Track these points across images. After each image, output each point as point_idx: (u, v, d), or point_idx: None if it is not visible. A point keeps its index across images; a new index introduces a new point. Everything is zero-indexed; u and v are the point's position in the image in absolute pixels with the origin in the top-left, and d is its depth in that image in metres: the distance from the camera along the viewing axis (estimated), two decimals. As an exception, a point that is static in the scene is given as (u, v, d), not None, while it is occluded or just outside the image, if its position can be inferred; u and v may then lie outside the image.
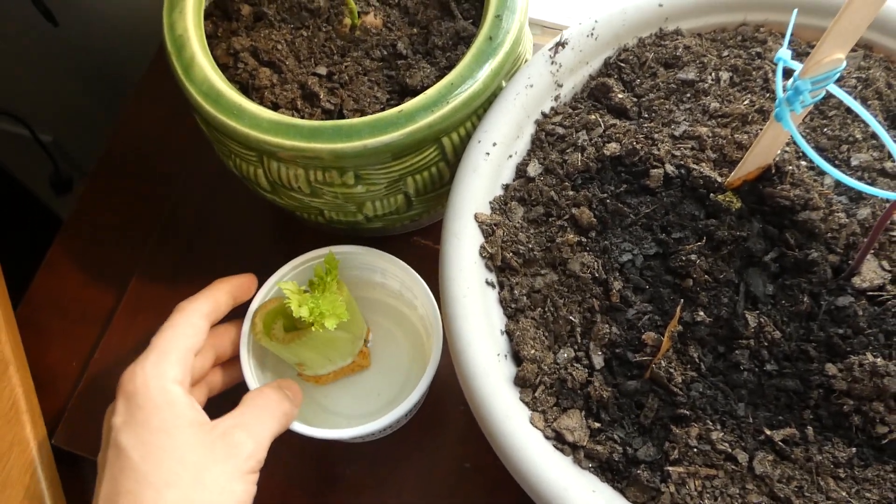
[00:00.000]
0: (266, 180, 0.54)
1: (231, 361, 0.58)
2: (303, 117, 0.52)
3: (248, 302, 0.58)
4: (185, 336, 0.51)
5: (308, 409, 0.61)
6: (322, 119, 0.52)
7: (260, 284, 0.58)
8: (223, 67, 0.55)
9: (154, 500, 0.45)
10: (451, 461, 0.61)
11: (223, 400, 0.56)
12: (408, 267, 0.57)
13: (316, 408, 0.61)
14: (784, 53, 0.40)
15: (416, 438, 0.61)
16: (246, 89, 0.54)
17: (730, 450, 0.42)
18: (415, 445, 0.61)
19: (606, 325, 0.45)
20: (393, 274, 0.60)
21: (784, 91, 0.40)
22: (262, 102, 0.53)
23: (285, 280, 0.57)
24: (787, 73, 0.42)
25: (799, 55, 0.53)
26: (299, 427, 0.54)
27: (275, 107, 0.53)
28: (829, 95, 0.51)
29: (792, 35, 0.53)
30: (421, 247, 0.67)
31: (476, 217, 0.49)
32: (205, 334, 0.53)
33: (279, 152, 0.50)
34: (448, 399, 0.62)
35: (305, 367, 0.57)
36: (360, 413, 0.61)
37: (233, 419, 0.49)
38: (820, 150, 0.49)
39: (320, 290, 0.54)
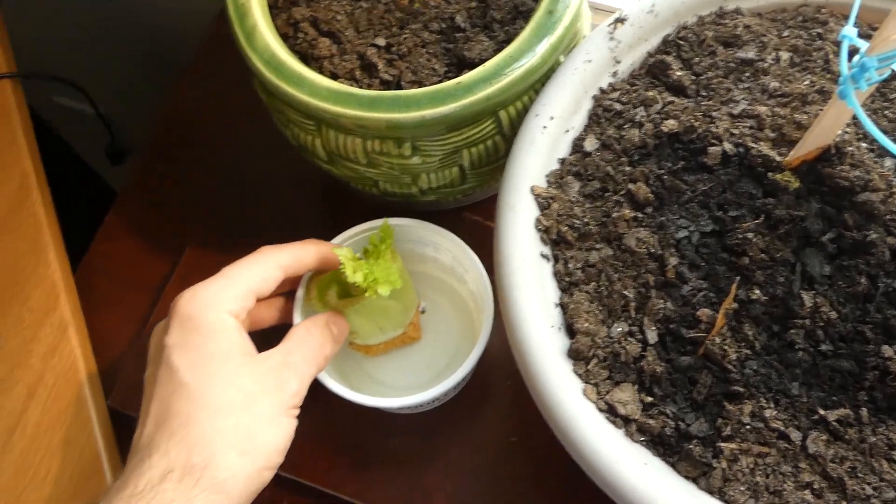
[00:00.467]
0: (323, 150, 0.55)
1: (279, 300, 0.59)
2: (361, 88, 0.53)
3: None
4: (255, 277, 0.51)
5: (357, 379, 0.62)
6: (380, 90, 0.53)
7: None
8: (284, 37, 0.55)
9: (208, 422, 0.45)
10: (497, 435, 0.61)
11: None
12: (460, 241, 0.58)
13: (365, 378, 0.62)
14: (849, 31, 0.40)
15: (463, 412, 0.62)
16: (306, 59, 0.55)
17: (783, 428, 0.42)
18: (461, 418, 0.62)
19: (661, 301, 0.45)
20: (445, 248, 0.60)
21: (849, 69, 0.39)
22: (321, 72, 0.54)
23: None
24: (850, 54, 0.41)
25: (861, 36, 0.52)
26: (348, 393, 0.54)
27: (334, 77, 0.54)
28: (892, 78, 0.50)
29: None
30: (472, 223, 0.67)
31: (532, 190, 0.49)
32: (275, 283, 0.52)
33: (338, 121, 0.51)
34: (495, 374, 0.63)
35: (357, 335, 0.58)
36: (407, 385, 0.61)
37: (281, 356, 0.50)
38: (881, 132, 0.48)
39: (374, 258, 0.54)
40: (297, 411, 0.49)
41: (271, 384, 0.48)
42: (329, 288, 0.56)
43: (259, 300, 0.53)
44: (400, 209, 0.65)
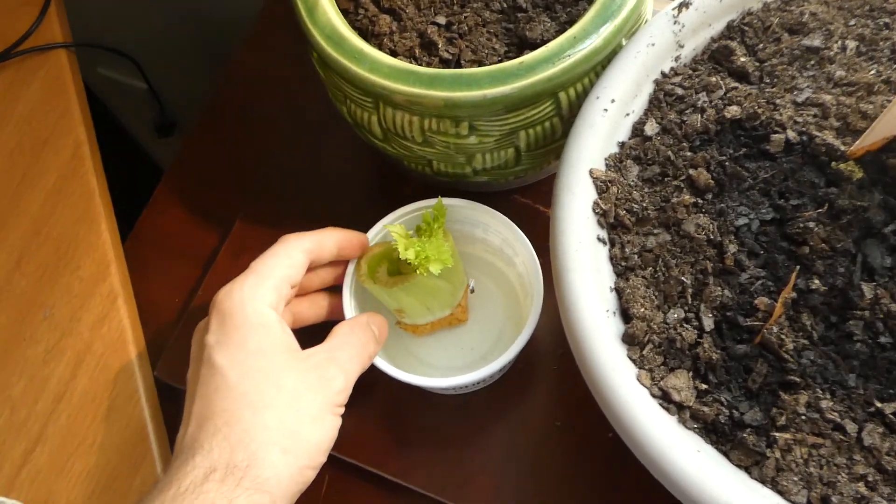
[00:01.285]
0: (379, 127, 0.55)
1: (321, 297, 0.59)
2: (420, 66, 0.53)
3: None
4: (284, 266, 0.52)
5: (402, 359, 0.62)
6: (439, 68, 0.53)
7: (366, 230, 0.59)
8: (344, 12, 0.56)
9: (252, 419, 0.45)
10: (541, 419, 0.61)
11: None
12: (511, 223, 0.58)
13: (410, 358, 0.63)
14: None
15: (507, 394, 0.62)
16: (365, 35, 0.55)
17: (839, 419, 0.42)
18: (505, 401, 0.62)
19: (718, 288, 0.45)
20: (495, 229, 0.60)
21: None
22: (380, 49, 0.54)
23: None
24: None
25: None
26: (394, 371, 0.55)
27: (393, 54, 0.54)
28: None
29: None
30: (522, 205, 0.67)
31: (591, 173, 0.49)
32: (303, 269, 0.53)
33: (396, 98, 0.51)
34: (541, 358, 0.63)
35: (405, 314, 0.59)
36: (453, 366, 0.62)
37: (325, 352, 0.50)
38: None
39: (427, 235, 0.55)
40: (342, 409, 0.50)
41: (315, 381, 0.48)
42: (380, 264, 0.56)
43: (293, 287, 0.53)
44: (450, 189, 0.65)
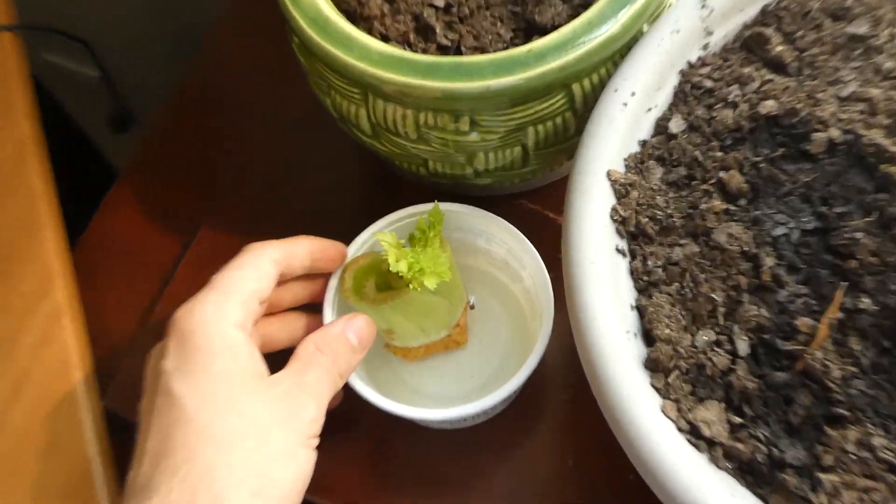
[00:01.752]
0: (368, 122, 0.55)
1: (294, 317, 0.59)
2: (415, 52, 0.53)
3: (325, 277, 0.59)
4: (251, 278, 0.52)
5: (391, 386, 0.62)
6: (436, 56, 0.53)
7: (351, 239, 0.59)
8: (329, -7, 0.56)
9: (215, 457, 0.45)
10: (551, 458, 0.61)
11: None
12: (518, 231, 0.58)
13: (400, 385, 0.63)
14: None
15: (512, 428, 0.62)
16: (353, 18, 0.55)
17: (894, 459, 0.42)
18: (509, 436, 0.62)
19: (754, 307, 0.45)
20: (500, 240, 0.61)
21: None
22: (370, 33, 0.54)
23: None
24: None
25: None
26: (381, 400, 0.55)
27: (384, 39, 0.54)
28: None
29: None
30: (529, 212, 0.68)
31: (609, 175, 0.49)
32: (272, 282, 0.53)
33: (388, 89, 0.51)
34: (550, 387, 0.63)
35: (395, 336, 0.59)
36: (449, 395, 0.62)
37: (294, 377, 0.50)
38: None
39: (422, 245, 0.55)
40: (317, 441, 0.49)
41: (285, 412, 0.48)
42: (367, 278, 0.56)
43: (262, 304, 0.53)
44: (448, 193, 0.66)
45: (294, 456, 0.47)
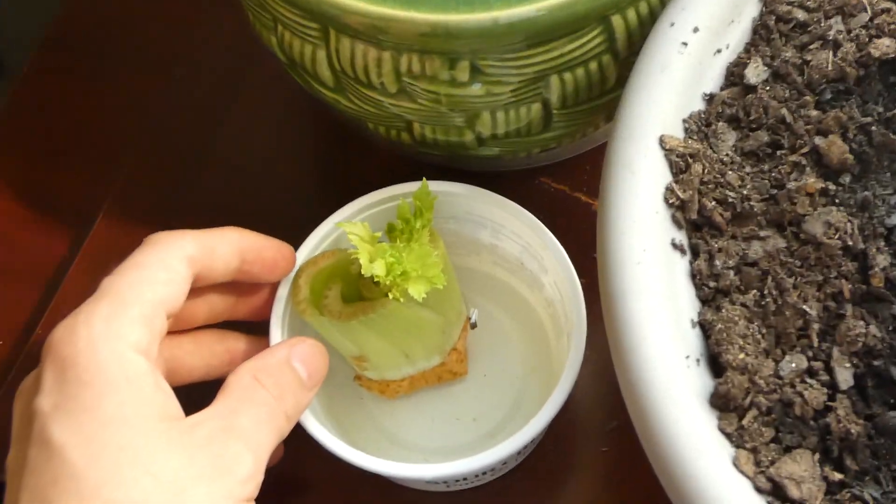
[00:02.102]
0: (329, 70, 0.56)
1: (211, 338, 0.59)
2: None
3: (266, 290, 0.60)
4: (156, 283, 0.51)
5: (364, 435, 0.63)
6: (425, -23, 0.54)
7: (305, 234, 0.60)
8: None
9: None
10: (583, 530, 0.62)
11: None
12: (537, 222, 0.59)
13: (376, 433, 0.63)
14: None
15: (529, 491, 0.63)
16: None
17: None
18: (526, 502, 0.63)
19: (861, 323, 0.46)
20: (511, 231, 0.61)
21: None
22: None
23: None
24: None
25: None
26: (352, 454, 0.55)
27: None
28: None
29: None
30: (553, 194, 0.68)
31: (662, 142, 0.50)
32: (185, 287, 0.52)
33: (357, 23, 0.51)
34: (583, 435, 0.64)
35: (368, 364, 0.59)
36: (442, 447, 0.63)
37: (219, 418, 0.49)
38: None
39: (405, 239, 0.55)
40: None
41: (207, 465, 0.47)
42: (329, 285, 0.56)
43: (170, 318, 0.52)
44: (441, 168, 0.65)
45: None
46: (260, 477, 0.49)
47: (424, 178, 0.58)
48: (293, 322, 0.59)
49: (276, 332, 0.58)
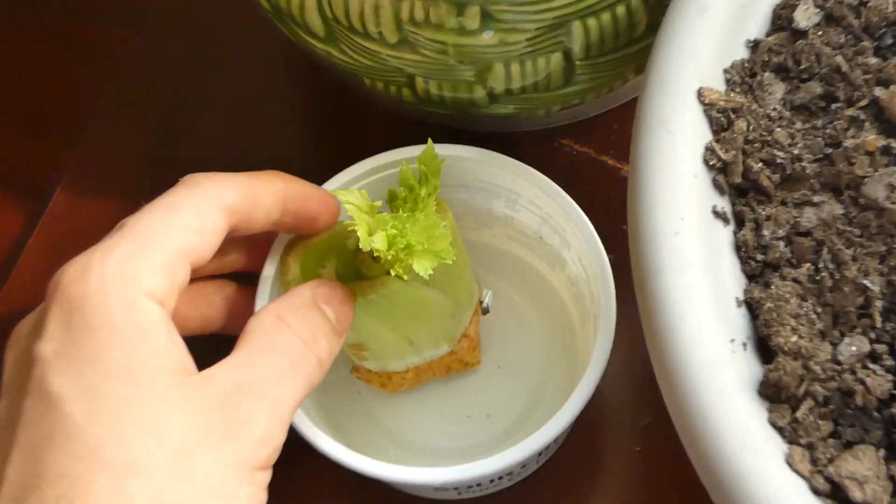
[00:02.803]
0: (320, 18, 0.56)
1: (218, 288, 0.59)
2: None
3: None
4: (186, 230, 0.51)
5: (363, 434, 0.63)
6: None
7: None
8: None
9: (110, 492, 0.44)
10: (614, 541, 0.62)
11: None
12: (559, 189, 0.59)
13: (377, 433, 0.63)
14: None
15: (552, 498, 0.63)
16: None
17: None
18: (549, 509, 0.63)
19: (931, 300, 0.46)
20: (529, 201, 0.61)
21: None
22: None
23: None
24: None
25: None
26: (351, 457, 0.55)
27: None
28: None
29: None
30: (575, 158, 0.68)
31: (701, 96, 0.49)
32: (219, 238, 0.52)
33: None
34: (612, 431, 0.64)
35: (368, 353, 0.59)
36: (452, 448, 0.63)
37: (236, 372, 0.49)
38: None
39: (409, 210, 0.54)
40: (268, 474, 0.49)
41: (217, 427, 0.47)
42: (322, 263, 0.56)
43: (194, 275, 0.52)
44: (448, 129, 0.66)
45: (230, 497, 0.47)
46: (279, 438, 0.49)
47: (430, 140, 0.57)
48: None
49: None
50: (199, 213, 0.51)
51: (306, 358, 0.51)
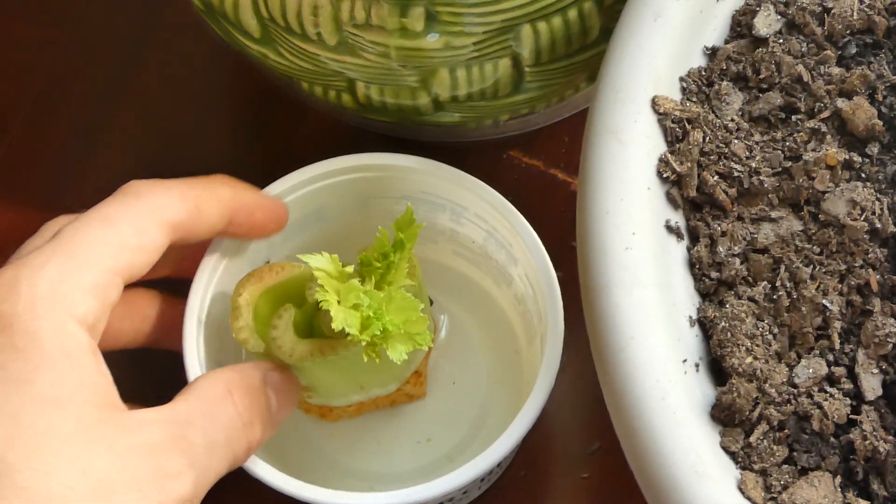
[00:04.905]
0: (255, 17, 0.56)
1: (147, 298, 0.59)
2: None
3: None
4: (124, 247, 0.50)
5: (302, 461, 0.63)
6: None
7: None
8: None
9: None
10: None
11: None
12: (506, 203, 0.59)
13: (315, 459, 0.63)
14: None
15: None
16: None
17: None
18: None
19: (892, 320, 0.46)
20: (475, 214, 0.61)
21: None
22: None
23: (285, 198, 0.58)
24: None
25: None
26: (288, 483, 0.55)
27: None
28: None
29: None
30: (524, 170, 0.68)
31: (655, 105, 0.50)
32: (156, 256, 0.52)
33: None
34: (559, 455, 0.64)
35: (315, 393, 0.59)
36: (393, 472, 0.63)
37: (170, 423, 0.49)
38: None
39: (379, 276, 0.54)
40: None
41: (145, 472, 0.47)
42: (279, 313, 0.55)
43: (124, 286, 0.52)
44: (390, 138, 0.66)
45: None
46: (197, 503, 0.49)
47: (409, 205, 0.57)
48: (210, 347, 0.59)
49: (193, 362, 0.57)
50: (139, 229, 0.51)
51: (239, 440, 0.51)
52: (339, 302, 0.51)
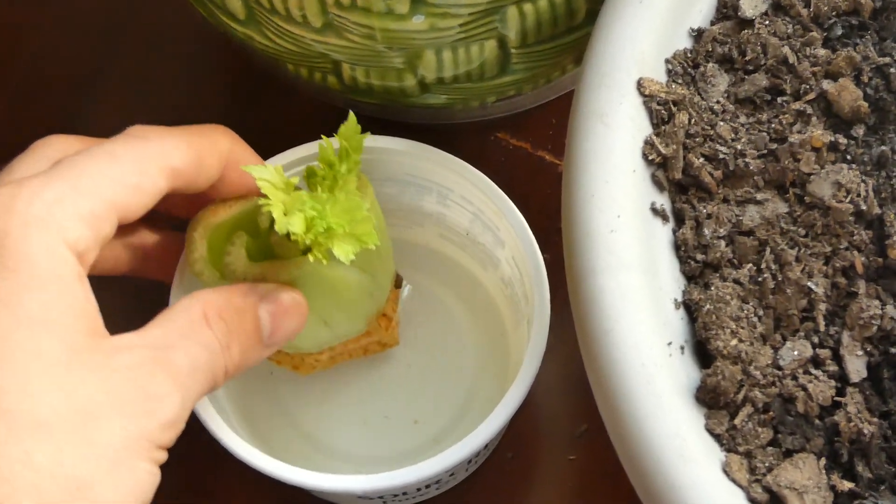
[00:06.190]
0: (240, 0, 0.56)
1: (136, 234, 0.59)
2: None
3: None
4: (124, 184, 0.50)
5: (284, 441, 0.63)
6: None
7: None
8: None
9: (7, 444, 0.44)
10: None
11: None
12: (493, 185, 0.59)
13: (298, 439, 0.63)
14: None
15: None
16: None
17: None
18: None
19: (876, 302, 0.46)
20: (461, 197, 0.61)
21: None
22: None
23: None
24: None
25: None
26: (264, 461, 0.55)
27: None
28: None
29: None
30: (510, 152, 0.69)
31: (641, 87, 0.50)
32: (155, 200, 0.52)
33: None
34: (545, 437, 0.64)
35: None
36: (379, 455, 0.63)
37: (153, 348, 0.49)
38: None
39: (327, 188, 0.54)
40: (164, 457, 0.48)
41: (128, 394, 0.47)
42: (231, 240, 0.55)
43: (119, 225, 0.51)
44: (376, 120, 0.66)
45: (129, 468, 0.46)
46: (181, 426, 0.49)
47: (351, 113, 0.56)
48: (189, 284, 0.58)
49: (177, 288, 0.58)
50: (141, 171, 0.51)
51: (216, 362, 0.50)
52: (284, 211, 0.51)
